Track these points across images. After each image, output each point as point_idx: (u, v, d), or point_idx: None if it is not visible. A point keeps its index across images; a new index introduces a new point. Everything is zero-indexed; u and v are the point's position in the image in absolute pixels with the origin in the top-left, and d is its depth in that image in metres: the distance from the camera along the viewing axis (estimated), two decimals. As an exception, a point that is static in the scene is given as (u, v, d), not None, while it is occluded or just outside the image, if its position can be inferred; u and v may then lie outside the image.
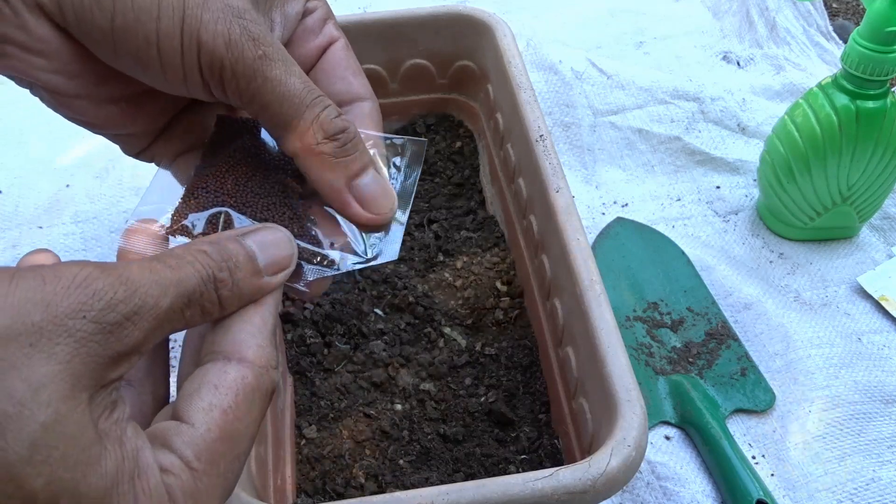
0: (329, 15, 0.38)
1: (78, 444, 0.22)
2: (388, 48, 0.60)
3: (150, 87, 0.32)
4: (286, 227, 0.32)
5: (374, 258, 0.33)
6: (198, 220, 0.32)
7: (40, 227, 0.63)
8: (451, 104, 0.65)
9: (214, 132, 0.36)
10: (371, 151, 0.35)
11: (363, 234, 0.34)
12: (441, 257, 0.58)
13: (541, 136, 0.49)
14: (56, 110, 0.33)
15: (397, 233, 0.34)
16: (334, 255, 0.33)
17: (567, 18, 0.83)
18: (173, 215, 0.32)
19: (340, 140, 0.32)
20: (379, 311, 0.55)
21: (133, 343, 0.23)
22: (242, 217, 0.32)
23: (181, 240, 0.32)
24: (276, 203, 0.33)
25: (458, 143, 0.65)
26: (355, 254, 0.33)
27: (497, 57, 0.56)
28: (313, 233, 0.33)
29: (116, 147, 0.72)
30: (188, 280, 0.25)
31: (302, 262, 0.31)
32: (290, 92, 0.31)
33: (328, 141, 0.32)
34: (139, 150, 0.37)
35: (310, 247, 0.32)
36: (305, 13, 0.37)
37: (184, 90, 0.32)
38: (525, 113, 0.51)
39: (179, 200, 0.33)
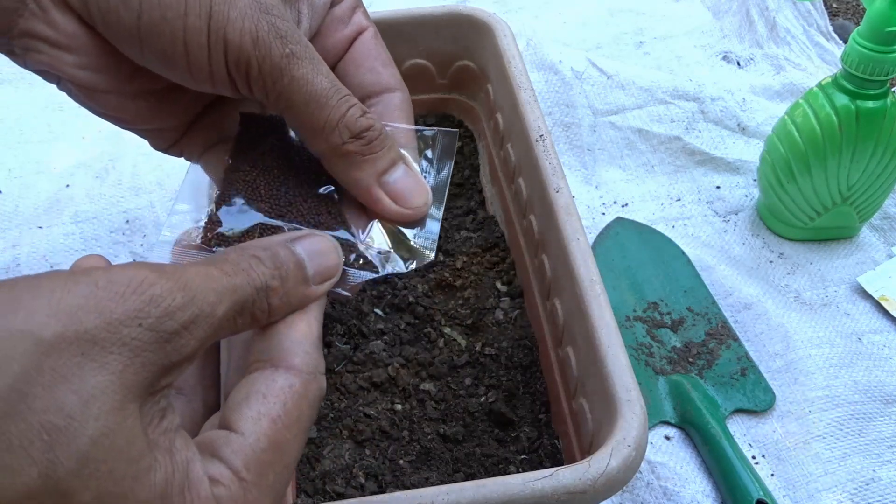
0: (358, 4, 0.38)
1: (126, 457, 0.21)
2: (387, 48, 0.60)
3: (174, 87, 0.32)
4: (324, 229, 0.31)
5: (412, 260, 0.33)
6: (233, 227, 0.32)
7: (40, 227, 0.63)
8: (451, 104, 0.65)
9: (240, 131, 0.35)
10: (402, 148, 0.34)
11: (401, 234, 0.33)
12: (441, 257, 0.58)
13: (541, 136, 0.49)
14: (84, 105, 0.33)
15: (434, 231, 0.34)
16: (374, 257, 0.32)
17: (567, 18, 0.83)
18: (207, 223, 0.32)
19: (366, 138, 0.32)
20: (379, 311, 0.55)
21: (190, 352, 0.23)
22: (279, 224, 0.32)
23: (220, 250, 0.31)
24: (312, 206, 0.33)
25: (458, 143, 0.65)
26: (393, 255, 0.33)
27: (497, 57, 0.56)
28: (351, 234, 0.33)
29: (116, 147, 0.73)
30: (243, 288, 0.25)
31: (345, 268, 0.31)
32: (316, 91, 0.31)
33: (354, 140, 0.31)
34: (168, 145, 0.36)
35: (350, 244, 0.32)
36: (334, 2, 0.37)
37: (210, 87, 0.31)
38: (525, 113, 0.51)
39: (212, 206, 0.32)
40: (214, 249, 0.31)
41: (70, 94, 0.33)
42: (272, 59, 0.30)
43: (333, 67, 0.37)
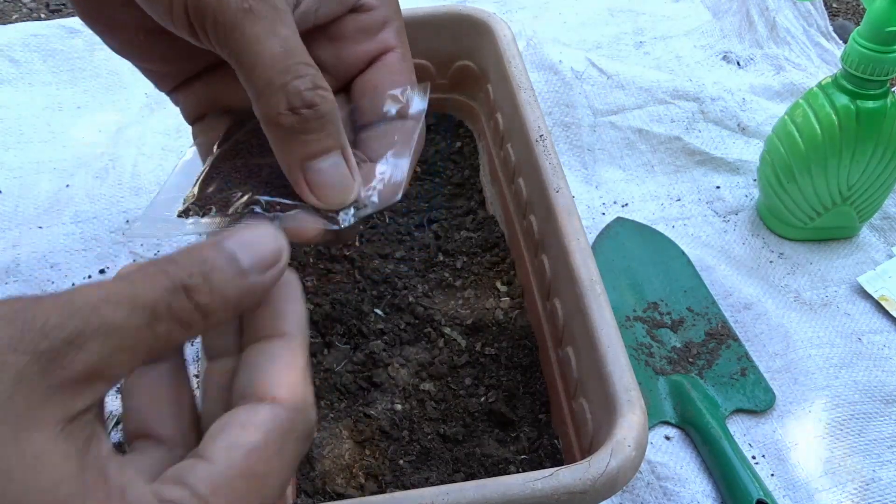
0: (391, 19, 0.35)
1: (36, 488, 0.20)
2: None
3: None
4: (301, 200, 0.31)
5: (369, 206, 0.32)
6: (212, 199, 0.31)
7: (40, 227, 0.63)
8: (451, 104, 0.65)
9: (228, 128, 0.35)
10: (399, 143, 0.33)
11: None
12: (441, 257, 0.58)
13: (541, 136, 0.49)
14: (87, 24, 0.34)
15: (401, 172, 0.32)
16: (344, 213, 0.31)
17: (567, 18, 0.83)
18: (186, 198, 0.32)
19: (303, 115, 0.30)
20: (379, 311, 0.55)
21: (84, 368, 0.21)
22: (259, 199, 0.31)
23: (195, 219, 0.31)
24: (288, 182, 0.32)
25: (458, 143, 0.65)
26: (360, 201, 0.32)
27: (497, 57, 0.56)
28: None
29: (116, 147, 0.72)
30: (147, 293, 0.23)
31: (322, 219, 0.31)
32: (265, 52, 0.29)
33: (289, 112, 0.29)
34: (168, 89, 0.36)
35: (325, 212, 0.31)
36: (360, 9, 0.35)
37: (173, 28, 0.30)
38: (525, 113, 0.51)
39: (195, 187, 0.32)
40: (190, 222, 0.31)
41: (77, 13, 0.34)
42: (228, 12, 0.29)
43: (350, 81, 0.35)
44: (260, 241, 0.26)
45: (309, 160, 0.30)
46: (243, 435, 0.23)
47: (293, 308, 0.27)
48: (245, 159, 0.33)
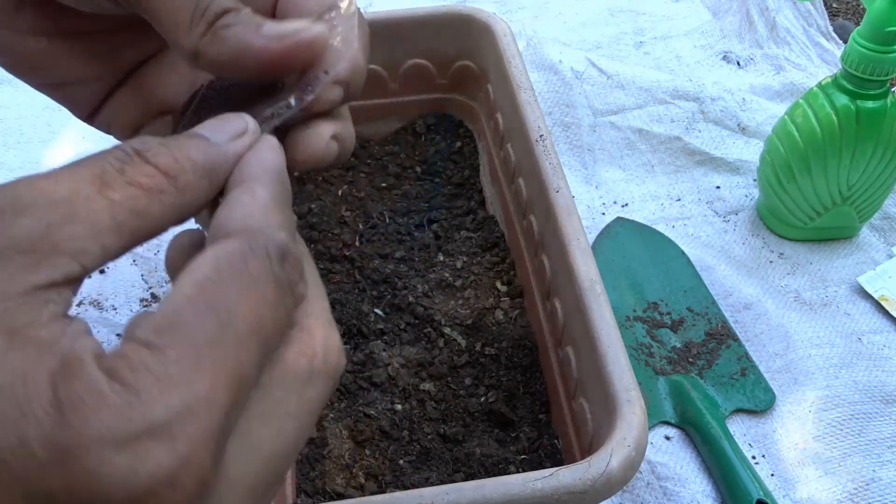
0: None
1: None
2: (387, 48, 0.60)
3: (79, 25, 0.29)
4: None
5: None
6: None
7: (40, 227, 0.63)
8: (451, 104, 0.65)
9: (182, 109, 0.33)
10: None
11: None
12: (441, 257, 0.58)
13: (541, 136, 0.49)
14: None
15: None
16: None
17: (567, 18, 0.83)
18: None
19: (231, 13, 0.27)
20: (379, 311, 0.55)
21: (28, 236, 0.20)
22: None
23: None
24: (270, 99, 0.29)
25: (458, 143, 0.65)
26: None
27: (497, 57, 0.56)
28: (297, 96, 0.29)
29: (116, 147, 0.70)
30: (90, 163, 0.21)
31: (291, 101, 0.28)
32: None
33: (217, 17, 0.27)
34: (88, 111, 0.33)
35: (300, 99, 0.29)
36: None
37: None
38: (525, 113, 0.51)
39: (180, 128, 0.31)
40: None
41: None
42: None
43: (273, 6, 0.32)
44: (220, 120, 0.25)
45: (259, 28, 0.27)
46: (190, 276, 0.21)
47: (257, 157, 0.25)
48: (213, 111, 0.31)
